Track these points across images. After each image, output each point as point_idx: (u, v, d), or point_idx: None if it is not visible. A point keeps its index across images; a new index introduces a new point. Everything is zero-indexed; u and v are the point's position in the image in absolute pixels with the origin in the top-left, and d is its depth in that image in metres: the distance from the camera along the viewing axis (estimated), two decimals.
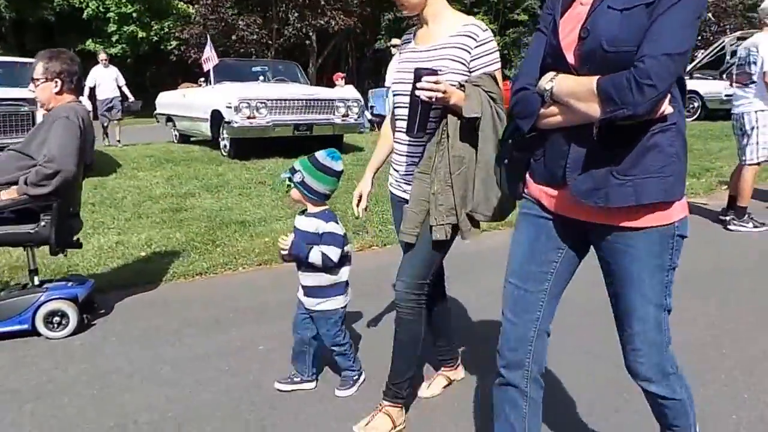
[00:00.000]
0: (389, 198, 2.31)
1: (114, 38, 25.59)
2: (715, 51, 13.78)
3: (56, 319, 3.08)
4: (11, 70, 8.24)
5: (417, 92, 1.79)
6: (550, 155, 1.46)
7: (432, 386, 2.48)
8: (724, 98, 13.05)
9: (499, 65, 2.04)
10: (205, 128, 9.39)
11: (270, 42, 14.99)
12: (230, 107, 8.35)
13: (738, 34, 13.50)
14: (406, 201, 2.10)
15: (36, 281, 3.23)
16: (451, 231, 1.98)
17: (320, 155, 2.37)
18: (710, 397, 2.35)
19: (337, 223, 2.38)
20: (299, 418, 2.33)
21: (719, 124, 11.47)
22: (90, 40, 25.29)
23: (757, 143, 4.69)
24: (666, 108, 1.28)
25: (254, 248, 4.60)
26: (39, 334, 3.09)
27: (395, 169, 2.19)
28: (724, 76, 14.30)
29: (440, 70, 1.88)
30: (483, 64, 1.99)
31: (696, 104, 13.13)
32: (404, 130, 1.96)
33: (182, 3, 24.78)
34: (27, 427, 2.30)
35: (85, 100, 8.69)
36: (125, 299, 3.68)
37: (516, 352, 1.55)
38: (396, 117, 2.16)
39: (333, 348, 2.50)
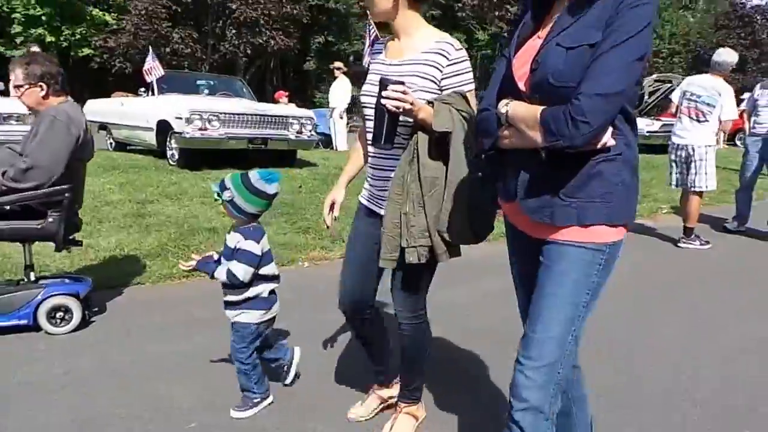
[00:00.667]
0: (357, 210, 2.18)
1: (18, 40, 24.06)
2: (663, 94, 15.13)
3: (59, 314, 2.97)
4: None
5: (383, 101, 1.74)
6: (508, 173, 1.50)
7: (365, 405, 2.37)
8: (646, 134, 14.43)
9: (472, 86, 1.96)
10: (150, 137, 9.13)
11: (204, 57, 14.79)
12: (180, 118, 8.20)
13: (655, 76, 14.89)
14: (372, 212, 2.07)
15: (32, 277, 3.09)
16: (427, 253, 1.88)
17: (254, 177, 2.26)
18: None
19: (258, 241, 2.27)
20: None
21: (642, 157, 12.56)
22: None
23: (706, 173, 5.30)
24: (608, 140, 1.33)
25: None
26: (38, 330, 2.96)
27: (371, 184, 2.09)
28: (643, 113, 15.84)
29: (408, 86, 1.79)
30: (455, 83, 1.91)
31: None
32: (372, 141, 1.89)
33: (98, 10, 23.83)
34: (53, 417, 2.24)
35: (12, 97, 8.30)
36: (116, 298, 3.57)
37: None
38: (367, 128, 2.03)
39: (236, 363, 2.36)
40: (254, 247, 2.24)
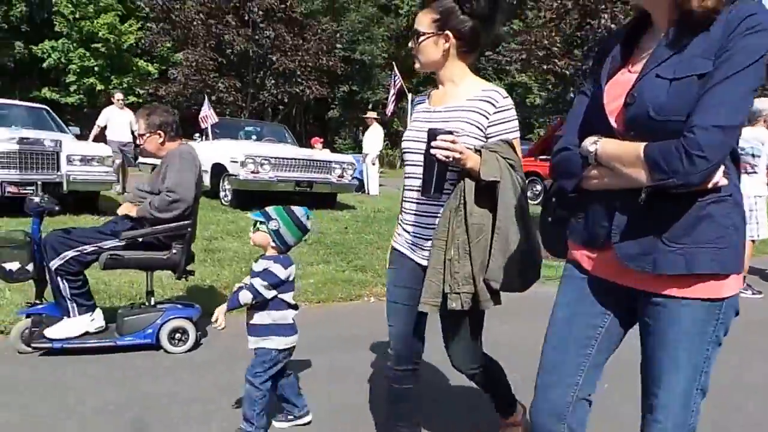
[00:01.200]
0: (390, 255, 2.18)
1: (72, 88, 25.58)
2: None
3: (178, 335, 3.34)
4: (38, 113, 8.58)
5: (432, 151, 1.74)
6: (593, 217, 1.41)
7: None
8: None
9: (517, 134, 1.97)
10: (206, 180, 9.72)
11: (244, 105, 15.60)
12: (235, 162, 8.77)
13: None
14: (410, 258, 2.06)
15: (152, 302, 3.49)
16: (470, 300, 1.88)
17: (299, 211, 2.46)
18: None
19: (285, 267, 2.38)
20: None
21: None
22: (46, 88, 25.16)
23: (757, 223, 5.56)
24: (719, 179, 1.23)
25: (305, 289, 4.95)
26: (158, 348, 3.34)
27: (405, 229, 2.08)
28: None
29: (456, 132, 1.81)
30: (501, 131, 1.92)
31: None
32: (418, 190, 1.90)
33: (143, 61, 25.33)
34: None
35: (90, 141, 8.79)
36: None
37: (551, 418, 1.46)
38: (406, 175, 2.05)
39: (246, 387, 2.40)
40: (280, 271, 2.36)
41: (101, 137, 10.03)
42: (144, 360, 3.23)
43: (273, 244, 2.42)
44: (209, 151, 9.63)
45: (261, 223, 2.41)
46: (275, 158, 9.01)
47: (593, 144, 1.34)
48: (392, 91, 16.26)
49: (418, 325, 2.07)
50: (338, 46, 17.35)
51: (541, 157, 13.10)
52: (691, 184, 1.20)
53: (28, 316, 3.22)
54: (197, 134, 10.41)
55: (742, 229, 1.33)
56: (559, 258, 1.62)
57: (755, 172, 5.51)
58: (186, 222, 3.35)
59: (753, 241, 5.68)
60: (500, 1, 1.97)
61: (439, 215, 1.92)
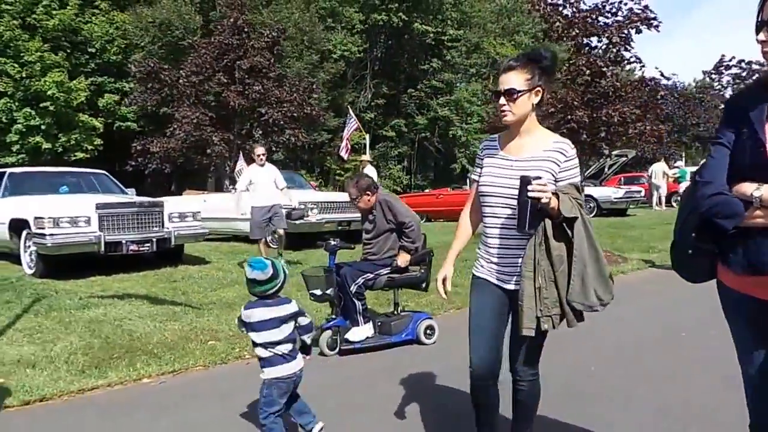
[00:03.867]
0: (472, 282, 2.45)
1: (14, 148, 25.04)
2: (599, 165, 18.11)
3: (428, 331, 4.64)
4: (100, 177, 9.39)
5: (529, 194, 2.03)
6: (757, 248, 1.60)
7: None
8: (614, 200, 17.31)
9: (579, 177, 2.31)
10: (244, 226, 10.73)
11: (229, 155, 16.57)
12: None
13: (617, 152, 17.96)
14: (495, 285, 2.35)
15: (398, 310, 4.77)
16: (558, 321, 2.21)
17: (275, 265, 2.75)
18: None
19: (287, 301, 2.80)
20: None
21: (615, 219, 15.29)
22: None
23: None
24: None
25: None
26: (413, 343, 4.61)
27: (490, 261, 2.37)
28: (603, 183, 18.84)
29: (541, 178, 2.11)
30: (569, 176, 2.26)
31: (592, 205, 17.02)
32: (502, 227, 2.28)
33: (86, 116, 25.35)
34: None
35: (237, 199, 8.11)
36: None
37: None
38: (486, 215, 2.37)
39: (265, 421, 2.68)
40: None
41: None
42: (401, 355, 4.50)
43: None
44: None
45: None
46: (321, 202, 10.28)
47: (757, 190, 1.56)
48: (346, 134, 17.79)
49: (499, 343, 2.38)
50: (314, 96, 18.69)
51: None
52: None
53: (327, 328, 4.41)
54: (232, 186, 11.40)
55: None
56: (692, 282, 1.91)
57: None
58: (428, 249, 4.69)
59: None
60: (556, 60, 2.31)
61: (520, 246, 2.25)
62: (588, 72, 8.10)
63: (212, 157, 16.28)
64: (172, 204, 8.44)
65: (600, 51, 8.55)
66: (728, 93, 12.64)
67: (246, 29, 16.11)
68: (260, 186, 7.94)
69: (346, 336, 4.39)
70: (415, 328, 4.61)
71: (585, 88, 8.17)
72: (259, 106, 16.16)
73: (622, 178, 21.35)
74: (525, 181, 2.06)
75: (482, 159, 2.41)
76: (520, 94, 2.21)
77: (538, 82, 2.23)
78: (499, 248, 2.33)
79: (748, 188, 1.59)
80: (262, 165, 8.03)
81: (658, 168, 19.03)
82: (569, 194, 2.17)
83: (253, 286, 2.70)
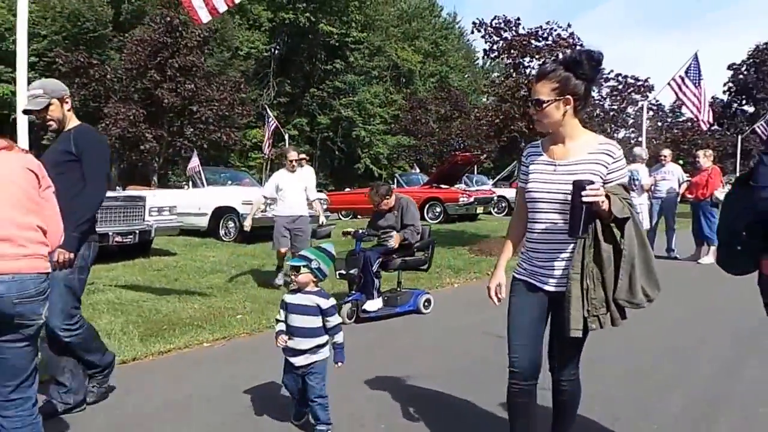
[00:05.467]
0: (513, 284, 2.44)
1: None
2: (512, 168, 20.06)
3: (426, 304, 5.66)
4: None
5: (584, 199, 2.03)
6: None
7: None
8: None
9: (627, 177, 2.33)
10: (206, 221, 11.14)
11: (159, 151, 16.59)
12: (245, 203, 10.55)
13: None
14: (535, 287, 2.35)
15: (400, 288, 5.76)
16: (605, 321, 2.20)
17: (328, 247, 2.99)
18: None
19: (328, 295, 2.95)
20: None
21: None
22: None
23: (643, 220, 9.05)
24: None
25: None
26: (413, 313, 5.60)
27: (532, 263, 2.37)
28: (512, 184, 20.80)
29: (593, 183, 2.09)
30: (618, 177, 2.25)
31: (504, 204, 18.86)
32: (547, 231, 2.28)
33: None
34: None
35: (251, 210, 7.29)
36: None
37: None
38: (532, 219, 2.36)
39: (319, 401, 2.85)
40: (333, 301, 2.93)
41: None
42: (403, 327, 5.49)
43: (318, 279, 2.93)
44: (207, 197, 11.15)
45: (303, 266, 2.86)
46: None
47: None
48: (267, 133, 18.43)
49: (539, 344, 2.37)
50: (242, 95, 19.05)
51: (441, 185, 16.42)
52: None
53: (348, 302, 5.28)
54: (185, 183, 11.75)
55: None
56: (737, 275, 2.19)
57: (634, 190, 8.92)
58: (432, 238, 5.73)
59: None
60: (600, 64, 2.26)
61: (563, 249, 2.27)
62: (525, 88, 9.50)
63: (143, 154, 16.24)
64: (153, 200, 8.80)
65: (534, 70, 10.02)
66: (607, 104, 14.67)
67: (180, 28, 16.26)
68: (287, 193, 6.93)
69: (364, 307, 5.29)
70: (416, 301, 5.61)
71: (523, 102, 9.56)
72: (190, 104, 16.36)
73: None
74: (579, 186, 2.06)
75: (527, 166, 2.42)
76: (547, 104, 2.24)
77: (569, 89, 2.22)
78: (542, 252, 2.34)
79: None
80: (293, 171, 7.07)
81: None
82: (619, 195, 2.17)
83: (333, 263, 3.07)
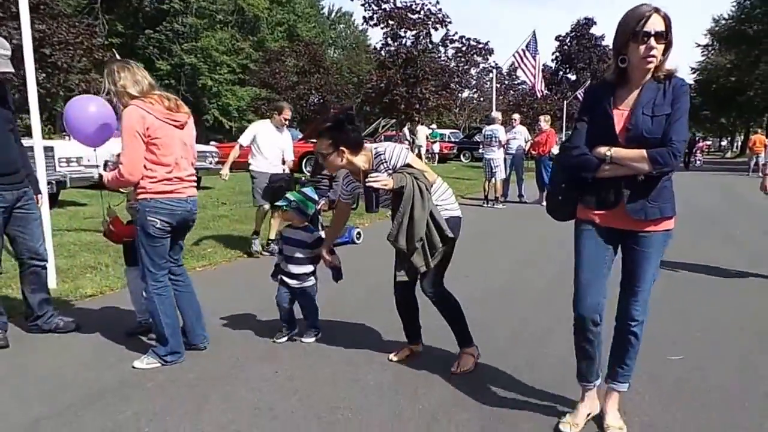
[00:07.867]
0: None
1: None
2: (375, 126, 21.70)
3: (358, 236, 7.03)
4: None
5: (368, 184, 2.81)
6: (605, 191, 2.34)
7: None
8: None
9: (404, 161, 2.96)
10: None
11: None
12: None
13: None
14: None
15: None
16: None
17: (308, 191, 3.60)
18: None
19: (316, 230, 3.62)
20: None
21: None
22: None
23: (500, 171, 10.74)
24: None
25: None
26: (348, 243, 6.94)
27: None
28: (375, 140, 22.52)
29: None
30: (397, 163, 2.97)
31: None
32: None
33: None
34: None
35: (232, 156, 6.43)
36: None
37: (591, 310, 2.41)
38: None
39: (311, 307, 3.60)
40: (320, 234, 3.68)
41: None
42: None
43: (299, 218, 3.49)
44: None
45: (285, 206, 3.51)
46: None
47: (607, 151, 2.27)
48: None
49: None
50: (99, 40, 17.86)
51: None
52: (671, 170, 2.27)
53: None
54: (65, 133, 11.35)
55: (672, 191, 2.37)
56: (560, 221, 2.59)
57: (493, 148, 10.73)
58: None
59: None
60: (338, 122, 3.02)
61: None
62: (404, 57, 11.02)
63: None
64: (62, 150, 8.66)
65: (409, 41, 11.56)
66: (453, 64, 16.36)
67: None
68: (267, 149, 6.43)
69: None
70: (351, 234, 6.99)
71: (404, 70, 11.09)
72: (41, 47, 15.20)
73: (384, 137, 25.58)
74: (367, 181, 2.85)
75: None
76: (328, 155, 3.01)
77: (341, 144, 2.98)
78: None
79: (602, 150, 2.27)
80: (280, 130, 6.54)
81: (422, 130, 23.19)
82: (404, 171, 2.97)
83: (313, 207, 3.63)
